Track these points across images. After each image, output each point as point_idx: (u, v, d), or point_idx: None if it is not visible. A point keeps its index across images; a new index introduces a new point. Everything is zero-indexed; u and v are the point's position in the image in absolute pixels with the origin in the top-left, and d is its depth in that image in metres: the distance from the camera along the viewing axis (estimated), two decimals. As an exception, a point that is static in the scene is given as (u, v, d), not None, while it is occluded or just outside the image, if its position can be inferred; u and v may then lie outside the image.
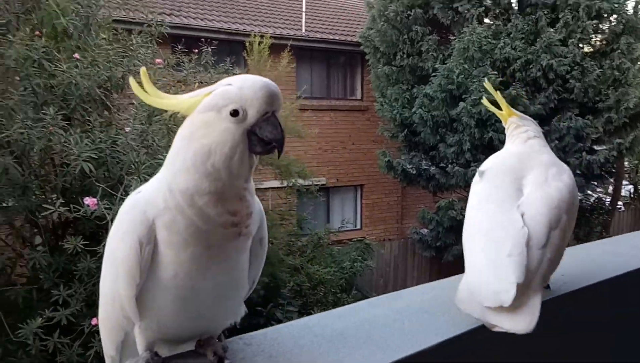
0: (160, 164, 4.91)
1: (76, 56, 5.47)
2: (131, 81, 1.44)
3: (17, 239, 6.46)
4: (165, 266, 1.30)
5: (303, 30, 15.87)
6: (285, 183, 10.39)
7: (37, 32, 6.04)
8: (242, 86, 1.28)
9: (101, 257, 5.29)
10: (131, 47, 6.25)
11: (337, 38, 16.42)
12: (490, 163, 1.87)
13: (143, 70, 1.38)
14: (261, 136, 1.28)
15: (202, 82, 7.19)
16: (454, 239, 13.37)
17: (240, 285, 1.42)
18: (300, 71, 15.93)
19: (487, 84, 1.99)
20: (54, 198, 4.85)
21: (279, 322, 7.95)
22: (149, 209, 1.31)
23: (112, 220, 4.86)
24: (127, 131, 5.26)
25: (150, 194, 1.34)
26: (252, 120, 1.27)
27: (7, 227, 6.42)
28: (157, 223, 1.29)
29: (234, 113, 1.26)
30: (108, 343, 1.47)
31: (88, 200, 4.50)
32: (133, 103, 5.69)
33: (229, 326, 1.48)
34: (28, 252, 6.07)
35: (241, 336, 1.55)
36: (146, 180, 4.88)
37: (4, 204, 5.57)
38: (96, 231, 5.58)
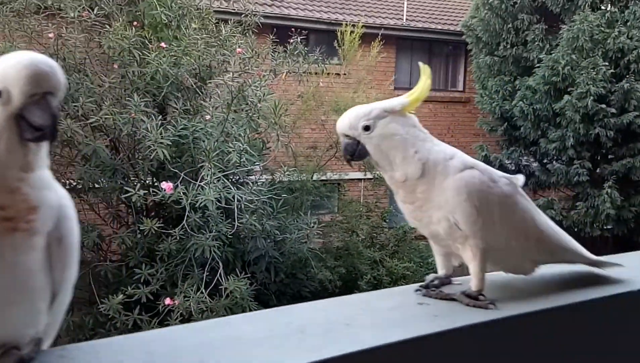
0: (232, 151, 5.02)
1: (162, 45, 5.70)
2: None
3: (114, 218, 6.89)
4: None
5: (404, 20, 15.57)
6: (374, 175, 10.28)
7: (135, 23, 6.36)
8: (7, 65, 1.14)
9: (179, 240, 5.51)
10: (221, 37, 6.41)
11: (439, 28, 15.96)
12: None
13: None
14: (31, 122, 1.14)
15: (290, 72, 7.25)
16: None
17: (29, 289, 1.26)
18: (400, 61, 15.67)
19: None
20: (135, 181, 5.11)
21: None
22: None
23: (188, 204, 5.04)
24: (207, 118, 5.41)
25: None
26: (17, 103, 1.13)
27: (104, 205, 6.87)
28: None
29: None
30: None
31: (164, 184, 4.69)
32: (217, 91, 5.85)
33: (32, 336, 1.31)
34: (123, 231, 6.46)
35: (63, 346, 1.40)
36: (216, 167, 5.06)
37: (97, 186, 5.96)
38: (177, 215, 5.84)
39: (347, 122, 1.57)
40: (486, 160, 13.54)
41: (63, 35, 5.61)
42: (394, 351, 1.31)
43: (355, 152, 1.58)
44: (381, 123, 1.57)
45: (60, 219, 1.25)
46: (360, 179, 11.75)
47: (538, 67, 12.38)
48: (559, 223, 9.24)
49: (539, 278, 1.76)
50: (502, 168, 13.48)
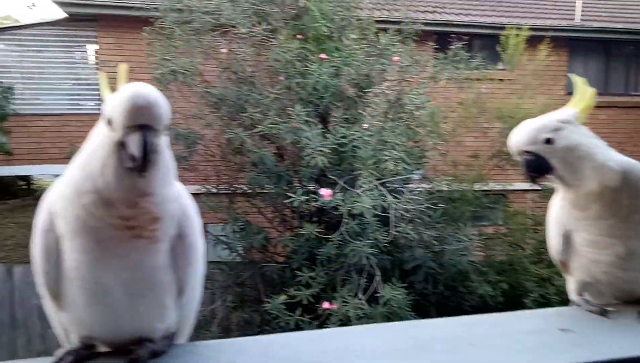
0: (388, 160, 5.00)
1: (322, 56, 5.87)
2: None
3: (280, 222, 7.25)
4: (68, 256, 1.30)
5: (578, 20, 14.46)
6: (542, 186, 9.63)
7: (299, 36, 6.65)
8: (118, 95, 1.22)
9: (337, 245, 5.63)
10: (379, 46, 6.46)
11: (619, 27, 14.58)
12: None
13: None
14: (129, 151, 1.19)
15: (449, 79, 7.09)
16: None
17: (156, 285, 1.35)
18: (573, 64, 14.57)
19: None
20: (297, 187, 5.31)
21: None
22: (51, 196, 1.32)
23: (346, 211, 5.13)
24: (365, 127, 5.47)
25: (58, 182, 1.34)
26: (118, 132, 1.20)
27: (271, 209, 7.25)
28: (56, 210, 1.29)
29: (108, 122, 1.22)
30: (55, 330, 1.52)
31: (323, 191, 4.82)
32: (376, 101, 5.89)
33: (164, 330, 1.41)
34: (287, 234, 6.76)
35: (193, 343, 1.47)
36: (373, 175, 5.07)
37: (264, 191, 6.30)
38: (337, 221, 5.96)
39: (525, 137, 1.51)
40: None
41: (234, 50, 6.04)
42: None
43: (539, 168, 1.49)
44: (563, 135, 1.50)
45: (182, 218, 1.35)
46: (526, 191, 11.11)
47: None
48: None
49: None
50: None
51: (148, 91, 1.19)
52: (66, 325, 1.41)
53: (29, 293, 8.92)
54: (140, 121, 1.17)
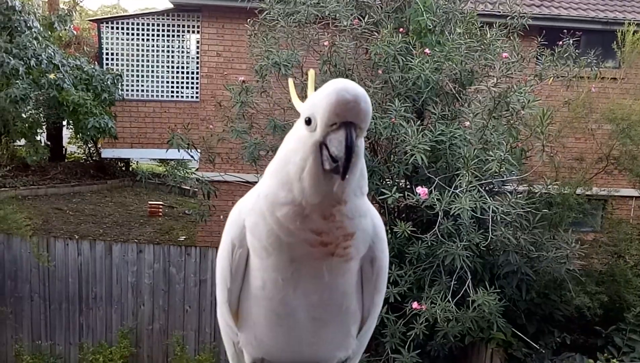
0: (492, 160, 4.82)
1: (426, 51, 5.73)
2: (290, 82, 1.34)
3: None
4: (255, 274, 1.22)
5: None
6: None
7: (401, 29, 6.53)
8: (319, 92, 1.10)
9: (429, 245, 5.50)
10: (484, 41, 6.23)
11: None
12: None
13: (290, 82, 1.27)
14: (330, 151, 1.07)
15: (558, 77, 6.72)
16: None
17: (343, 311, 1.25)
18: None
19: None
20: (391, 184, 5.22)
21: (618, 349, 7.02)
22: (242, 211, 1.24)
23: (441, 211, 4.99)
24: (466, 124, 5.29)
25: (249, 195, 1.26)
26: (320, 131, 1.08)
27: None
28: (247, 224, 1.21)
29: (307, 121, 1.10)
30: (226, 349, 1.45)
31: (420, 189, 4.71)
32: (478, 97, 5.69)
33: (340, 359, 1.32)
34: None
35: None
36: (474, 175, 4.89)
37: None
38: (428, 220, 5.83)
39: None
40: None
41: (336, 43, 6.01)
42: None
43: None
44: None
45: (374, 241, 1.24)
46: (631, 197, 10.43)
47: None
48: None
49: None
50: None
51: (354, 86, 1.08)
52: (241, 345, 1.36)
53: (125, 270, 9.40)
54: (346, 118, 1.06)
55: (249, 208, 1.22)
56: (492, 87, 5.18)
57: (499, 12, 7.86)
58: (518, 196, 5.32)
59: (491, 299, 5.34)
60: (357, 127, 1.07)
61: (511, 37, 6.68)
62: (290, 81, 1.28)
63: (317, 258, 1.15)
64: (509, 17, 7.03)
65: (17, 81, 10.08)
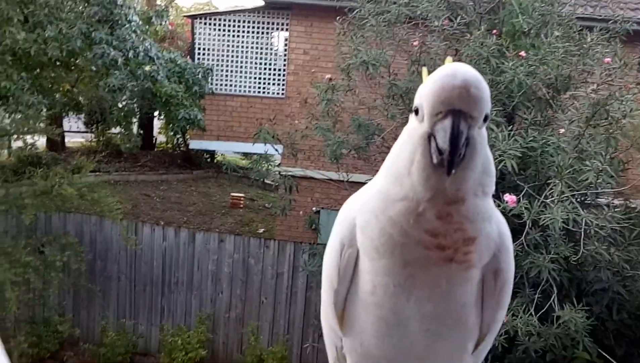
0: (589, 171, 4.58)
1: (522, 54, 5.53)
2: None
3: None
4: (364, 277, 1.13)
5: None
6: None
7: (494, 31, 6.34)
8: (428, 78, 1.00)
9: (515, 255, 5.33)
10: (584, 45, 5.93)
11: None
12: None
13: None
14: (437, 142, 0.98)
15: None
16: None
17: (460, 325, 1.13)
18: None
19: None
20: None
21: None
22: (353, 209, 1.16)
23: (529, 220, 4.80)
24: (561, 132, 5.06)
25: (360, 193, 1.17)
26: (427, 121, 0.99)
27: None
28: (358, 222, 1.12)
29: (416, 111, 1.02)
30: (328, 354, 1.37)
31: (507, 197, 4.55)
32: (574, 104, 5.43)
33: None
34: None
35: None
36: (567, 185, 4.67)
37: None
38: (513, 229, 5.62)
39: None
40: None
41: (426, 43, 5.92)
42: None
43: None
44: None
45: (499, 250, 1.12)
46: None
47: None
48: None
49: None
50: None
51: (466, 70, 0.99)
52: (345, 350, 1.28)
53: (206, 258, 9.71)
54: (452, 105, 0.97)
55: (360, 205, 1.14)
56: (592, 93, 4.92)
57: (600, 16, 7.49)
58: (615, 210, 5.04)
59: (578, 316, 5.09)
60: (468, 116, 0.98)
61: (612, 43, 6.34)
62: (425, 70, 1.16)
63: (434, 263, 1.05)
64: (611, 22, 6.66)
65: (116, 72, 10.61)
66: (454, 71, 0.99)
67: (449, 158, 0.97)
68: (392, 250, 1.07)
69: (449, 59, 1.14)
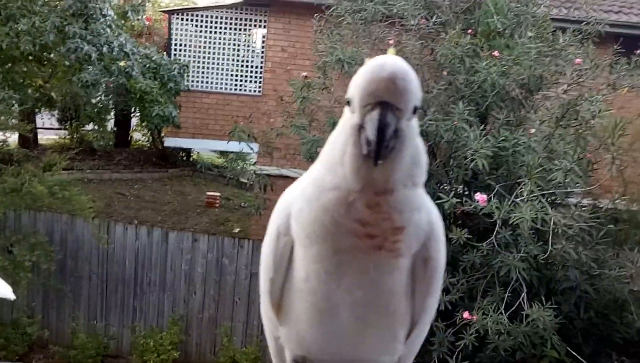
0: (558, 170, 4.62)
1: (495, 53, 5.56)
2: None
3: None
4: (298, 265, 1.16)
5: None
6: None
7: (469, 31, 6.37)
8: (360, 70, 1.03)
9: (484, 254, 5.34)
10: (556, 46, 5.99)
11: None
12: None
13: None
14: (365, 134, 1.00)
15: (633, 87, 6.39)
16: None
17: (389, 312, 1.16)
18: None
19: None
20: (448, 189, 5.10)
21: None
22: (289, 194, 1.19)
23: (500, 220, 4.83)
24: (532, 132, 5.10)
25: (298, 181, 1.20)
26: (357, 112, 1.02)
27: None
28: (293, 211, 1.15)
29: (348, 103, 1.06)
30: (268, 344, 1.41)
31: (479, 196, 4.58)
32: (545, 104, 5.48)
33: None
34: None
35: None
36: (537, 185, 4.70)
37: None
38: (485, 228, 5.65)
39: None
40: None
41: (402, 42, 5.92)
42: None
43: None
44: None
45: (429, 239, 1.15)
46: None
47: None
48: None
49: None
50: None
51: (394, 61, 1.02)
52: (282, 340, 1.31)
53: (179, 258, 9.60)
54: (380, 97, 0.99)
55: (296, 194, 1.17)
56: (562, 94, 4.97)
57: (574, 17, 7.58)
58: (582, 209, 5.10)
59: (546, 314, 5.14)
60: (396, 108, 1.00)
61: (585, 44, 6.41)
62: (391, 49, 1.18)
63: (363, 251, 1.08)
64: (584, 23, 6.74)
65: (89, 67, 10.45)
66: (383, 63, 1.01)
67: (375, 149, 0.99)
68: (323, 238, 1.09)
69: (391, 50, 1.15)
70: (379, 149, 0.99)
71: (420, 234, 1.12)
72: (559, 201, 6.12)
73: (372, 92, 1.00)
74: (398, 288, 1.15)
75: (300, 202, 1.14)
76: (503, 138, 5.13)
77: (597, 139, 5.68)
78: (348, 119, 1.07)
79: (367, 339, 1.20)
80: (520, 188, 4.91)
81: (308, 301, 1.18)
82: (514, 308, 5.47)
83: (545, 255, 5.00)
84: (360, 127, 1.02)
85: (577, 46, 6.20)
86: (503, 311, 5.35)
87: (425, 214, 1.13)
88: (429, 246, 1.15)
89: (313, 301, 1.17)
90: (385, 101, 0.99)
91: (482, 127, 5.62)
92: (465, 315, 5.19)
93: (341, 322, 1.16)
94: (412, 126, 1.06)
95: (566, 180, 4.53)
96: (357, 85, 1.03)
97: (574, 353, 6.37)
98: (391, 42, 6.08)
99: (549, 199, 5.59)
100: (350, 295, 1.13)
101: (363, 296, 1.13)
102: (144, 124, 13.52)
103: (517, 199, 4.75)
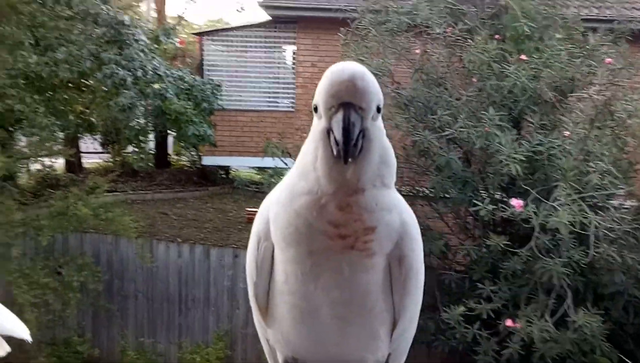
0: (593, 172, 4.53)
1: (522, 57, 5.51)
2: None
3: (461, 229, 7.00)
4: (278, 267, 1.20)
5: None
6: None
7: (496, 36, 6.33)
8: (322, 77, 1.07)
9: (525, 260, 5.26)
10: (587, 47, 5.89)
11: None
12: None
13: None
14: (333, 135, 1.04)
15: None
16: None
17: (365, 310, 1.18)
18: None
19: None
20: (484, 196, 5.05)
21: None
22: (268, 201, 1.23)
23: (538, 225, 4.76)
24: (566, 134, 5.02)
25: (276, 187, 1.24)
26: (324, 116, 1.06)
27: (452, 216, 7.03)
28: (271, 216, 1.19)
29: (315, 109, 1.09)
30: (264, 348, 1.44)
31: (514, 201, 4.52)
32: (579, 106, 5.38)
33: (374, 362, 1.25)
34: (469, 243, 6.51)
35: None
36: (574, 188, 4.62)
37: (447, 195, 6.11)
38: (525, 234, 5.57)
39: None
40: None
41: (428, 51, 5.93)
42: None
43: None
44: None
45: (402, 238, 1.18)
46: None
47: None
48: None
49: None
50: None
51: (352, 65, 1.08)
52: (271, 342, 1.36)
53: (222, 274, 9.72)
54: (342, 99, 1.04)
55: (273, 200, 1.21)
56: (595, 95, 4.88)
57: (605, 16, 7.43)
58: (624, 211, 4.96)
59: (593, 320, 5.01)
60: (358, 107, 1.04)
61: (618, 43, 6.28)
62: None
63: (336, 251, 1.11)
64: (616, 22, 6.61)
65: (125, 91, 10.75)
66: (342, 67, 1.06)
67: (344, 148, 1.03)
68: (298, 240, 1.14)
69: None
70: (347, 148, 1.03)
71: (393, 234, 1.15)
72: (600, 204, 5.98)
73: (334, 94, 1.04)
74: (373, 287, 1.18)
75: (276, 207, 1.18)
76: (537, 141, 5.06)
77: (636, 139, 5.55)
78: (316, 125, 1.11)
79: (348, 337, 1.23)
80: (557, 192, 4.83)
81: (289, 303, 1.22)
82: (559, 314, 5.36)
83: (588, 260, 4.89)
84: (328, 131, 1.06)
85: (609, 46, 6.09)
86: (548, 318, 5.25)
87: (397, 214, 1.16)
88: (403, 245, 1.18)
89: (293, 302, 1.21)
90: (348, 102, 1.03)
91: (515, 132, 5.56)
92: (508, 322, 5.11)
93: (322, 321, 1.20)
94: (378, 126, 1.11)
95: (603, 182, 4.43)
96: (320, 91, 1.07)
97: (627, 360, 6.18)
98: (417, 51, 6.08)
99: (590, 203, 5.48)
100: (328, 295, 1.16)
101: (339, 295, 1.16)
102: (180, 144, 13.77)
103: (555, 204, 4.67)
